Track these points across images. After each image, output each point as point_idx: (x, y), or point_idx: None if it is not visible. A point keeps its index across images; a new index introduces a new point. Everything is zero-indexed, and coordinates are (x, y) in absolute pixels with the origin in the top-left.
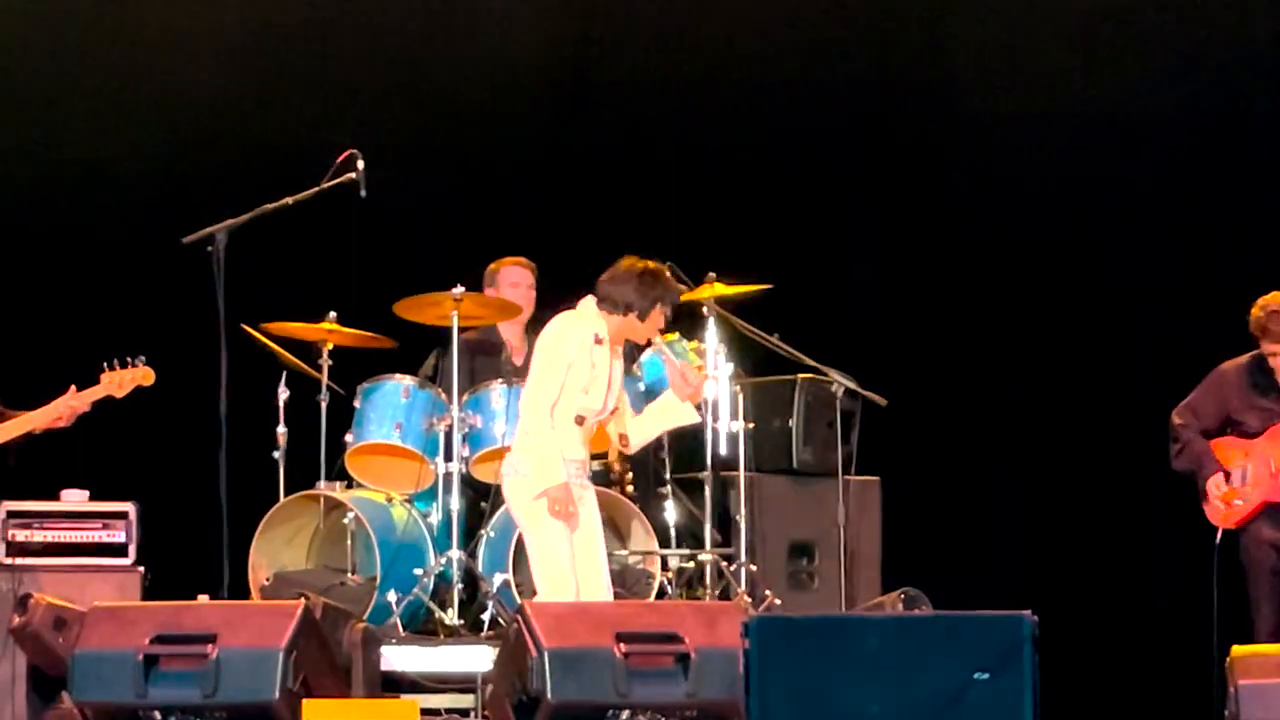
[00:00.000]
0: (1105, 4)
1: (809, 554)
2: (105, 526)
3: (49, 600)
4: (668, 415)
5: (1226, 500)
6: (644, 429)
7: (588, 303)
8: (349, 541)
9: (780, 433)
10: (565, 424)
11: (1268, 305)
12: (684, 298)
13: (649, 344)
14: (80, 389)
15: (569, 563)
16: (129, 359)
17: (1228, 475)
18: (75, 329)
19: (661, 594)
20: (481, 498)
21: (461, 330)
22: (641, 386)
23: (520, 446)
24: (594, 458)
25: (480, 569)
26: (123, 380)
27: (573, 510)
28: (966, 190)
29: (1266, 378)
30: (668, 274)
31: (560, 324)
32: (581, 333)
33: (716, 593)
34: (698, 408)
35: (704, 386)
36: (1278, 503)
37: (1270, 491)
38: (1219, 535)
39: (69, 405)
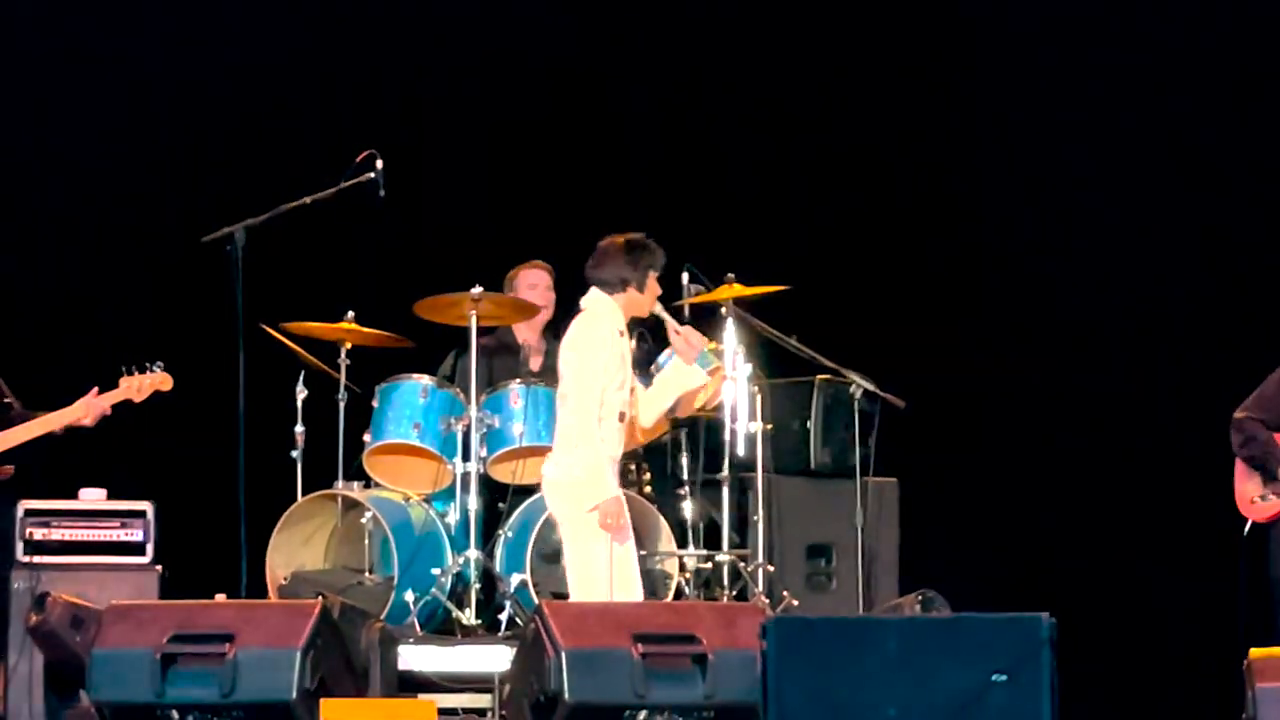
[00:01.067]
0: None
1: (827, 555)
2: (123, 525)
3: (66, 599)
4: (676, 381)
5: None
6: (656, 402)
7: (595, 297)
8: (366, 541)
9: (798, 434)
10: (611, 424)
11: None
12: (702, 298)
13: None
14: (101, 390)
15: (607, 574)
16: (147, 364)
17: None
18: (94, 328)
19: (679, 594)
20: (499, 498)
21: (479, 331)
22: None
23: (568, 453)
24: None
25: (498, 569)
26: (141, 385)
27: (624, 522)
28: (984, 192)
29: None
30: (648, 240)
31: (585, 330)
32: (607, 332)
33: (734, 593)
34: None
35: (703, 341)
36: None
37: None
38: (1246, 528)
39: (92, 406)
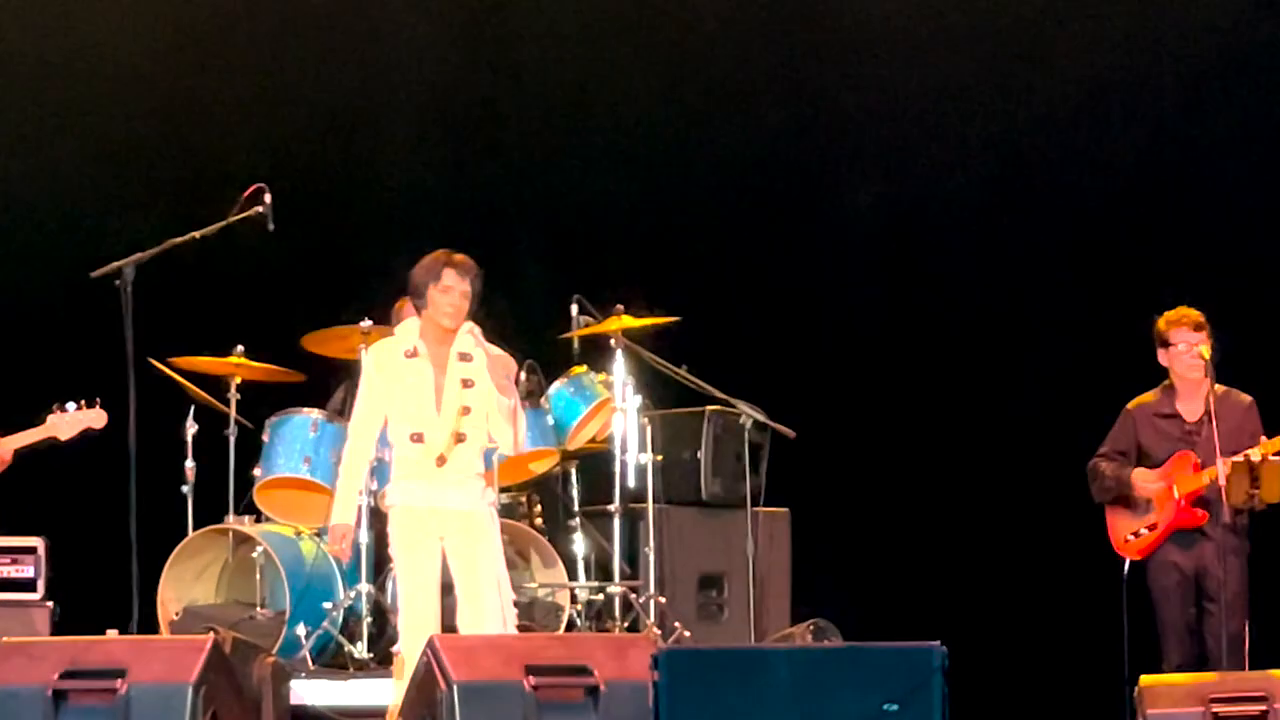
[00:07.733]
0: None
1: (718, 585)
2: (14, 561)
3: None
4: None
5: (1167, 479)
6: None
7: (408, 318)
8: (258, 575)
9: (689, 464)
10: (403, 446)
11: (1167, 316)
12: (591, 330)
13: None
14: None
15: (418, 600)
16: (82, 401)
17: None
18: None
19: (570, 626)
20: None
21: None
22: (550, 420)
23: None
24: (504, 490)
25: (389, 602)
26: (75, 421)
27: (341, 549)
28: (875, 222)
29: (1170, 410)
30: (437, 255)
31: (369, 352)
32: (385, 355)
33: (625, 625)
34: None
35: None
36: (1183, 528)
37: (1175, 517)
38: (1126, 566)
39: None
